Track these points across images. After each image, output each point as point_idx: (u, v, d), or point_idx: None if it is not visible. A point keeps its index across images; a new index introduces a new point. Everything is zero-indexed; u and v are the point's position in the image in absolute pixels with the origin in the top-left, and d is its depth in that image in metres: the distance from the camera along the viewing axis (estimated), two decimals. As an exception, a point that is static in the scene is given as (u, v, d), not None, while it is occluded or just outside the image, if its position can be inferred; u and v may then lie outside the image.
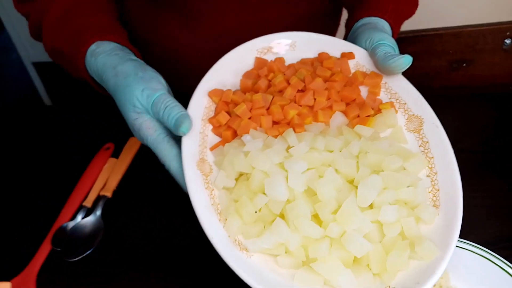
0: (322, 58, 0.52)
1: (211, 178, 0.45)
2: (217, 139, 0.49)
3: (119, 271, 0.55)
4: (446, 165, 0.44)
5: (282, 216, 0.42)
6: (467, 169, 0.63)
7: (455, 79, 0.78)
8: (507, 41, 0.76)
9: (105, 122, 0.73)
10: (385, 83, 0.50)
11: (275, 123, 0.48)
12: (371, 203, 0.41)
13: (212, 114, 0.50)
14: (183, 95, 0.51)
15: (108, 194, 0.62)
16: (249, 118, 0.48)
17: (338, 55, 0.53)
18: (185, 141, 0.46)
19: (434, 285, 0.48)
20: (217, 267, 0.52)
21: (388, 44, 0.50)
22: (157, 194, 0.62)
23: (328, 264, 0.39)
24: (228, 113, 0.49)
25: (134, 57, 0.52)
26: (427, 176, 0.44)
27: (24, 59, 1.48)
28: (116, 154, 0.67)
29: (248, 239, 0.41)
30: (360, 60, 0.51)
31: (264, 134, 0.47)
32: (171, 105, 0.46)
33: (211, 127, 0.49)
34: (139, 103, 0.47)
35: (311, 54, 0.53)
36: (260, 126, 0.48)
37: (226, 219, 0.43)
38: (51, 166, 0.68)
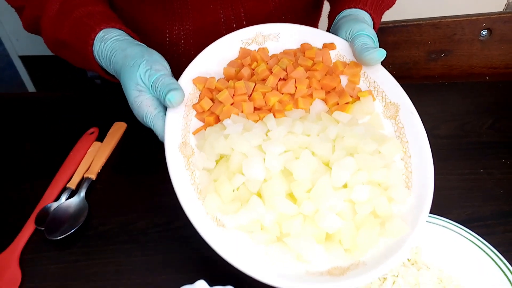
0: (304, 48, 0.54)
1: (192, 160, 0.47)
2: (200, 124, 0.50)
3: (102, 250, 0.55)
4: (420, 149, 0.46)
5: (258, 195, 0.43)
6: (444, 153, 0.66)
7: (433, 68, 0.81)
8: (484, 32, 0.79)
9: (90, 108, 0.74)
10: (364, 72, 0.52)
11: (256, 109, 0.50)
12: (345, 184, 0.43)
13: (196, 100, 0.52)
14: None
15: (92, 176, 0.62)
16: (231, 104, 0.49)
17: (320, 46, 0.55)
18: (168, 124, 0.47)
19: (409, 260, 0.50)
20: (202, 244, 0.53)
21: (367, 34, 0.52)
22: (141, 177, 0.63)
23: (301, 239, 0.40)
24: (212, 100, 0.51)
25: (140, 43, 0.55)
26: (401, 159, 0.46)
27: (10, 52, 1.48)
28: (100, 139, 0.68)
29: (225, 215, 0.43)
30: (341, 50, 0.53)
31: (245, 119, 0.48)
32: (167, 82, 0.48)
33: (194, 113, 0.51)
34: (141, 82, 0.50)
35: (294, 45, 0.55)
36: (242, 112, 0.49)
37: (205, 198, 0.44)
38: (35, 149, 0.68)
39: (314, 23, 0.77)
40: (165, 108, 0.49)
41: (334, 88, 0.51)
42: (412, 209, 0.43)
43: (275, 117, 0.48)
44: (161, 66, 0.51)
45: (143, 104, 0.50)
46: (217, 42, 0.54)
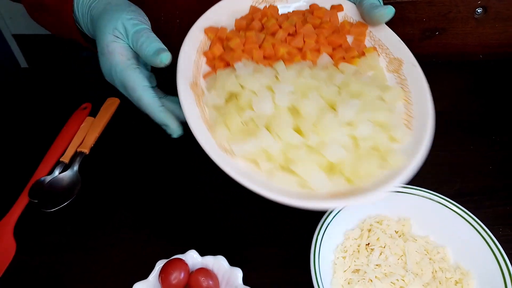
0: (313, 8, 0.56)
1: (202, 99, 0.47)
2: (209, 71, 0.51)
3: (95, 222, 0.56)
4: (420, 97, 0.48)
5: (267, 128, 0.44)
6: (435, 129, 0.66)
7: (427, 47, 0.80)
8: (479, 10, 0.78)
9: (83, 84, 0.74)
10: (370, 31, 0.54)
11: (266, 58, 0.51)
12: (350, 122, 0.44)
13: (207, 49, 0.52)
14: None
15: (86, 150, 0.63)
16: (242, 51, 0.50)
17: (328, 8, 0.56)
18: (180, 65, 0.47)
19: (396, 232, 0.51)
20: (194, 217, 0.54)
21: None
22: (134, 152, 0.63)
23: (305, 165, 0.41)
24: (223, 48, 0.51)
25: None
26: (403, 106, 0.48)
27: (4, 31, 1.46)
28: (93, 114, 0.68)
29: (235, 144, 0.43)
30: (348, 12, 0.56)
31: (256, 64, 0.49)
32: (153, 38, 0.47)
33: (205, 60, 0.51)
34: (121, 27, 0.47)
35: (303, 7, 0.57)
36: (252, 59, 0.50)
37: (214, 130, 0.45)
38: (28, 124, 0.68)
39: None
40: (137, 60, 0.48)
41: (341, 45, 0.53)
42: (409, 146, 0.44)
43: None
44: (145, 19, 0.49)
45: (115, 51, 0.47)
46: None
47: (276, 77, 0.47)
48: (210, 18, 0.53)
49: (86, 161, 0.62)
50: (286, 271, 0.51)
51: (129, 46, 0.48)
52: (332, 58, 0.51)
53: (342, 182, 0.42)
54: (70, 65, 0.79)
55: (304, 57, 0.51)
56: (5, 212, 0.57)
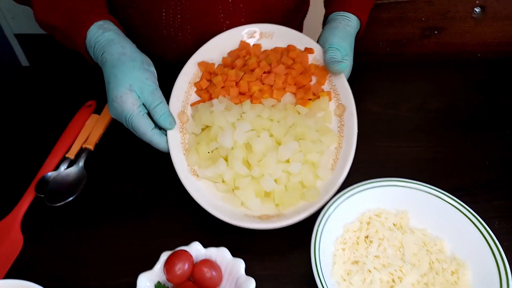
0: (289, 49, 0.67)
1: (186, 125, 0.61)
2: (197, 99, 0.65)
3: (101, 216, 0.58)
4: (348, 143, 0.57)
5: (225, 158, 0.57)
6: (433, 126, 0.67)
7: (427, 46, 0.82)
8: (477, 9, 0.80)
9: (87, 82, 0.75)
10: (330, 76, 0.63)
11: (241, 93, 0.63)
12: (287, 160, 0.56)
13: (198, 79, 0.66)
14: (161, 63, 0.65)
15: (91, 146, 0.64)
16: (222, 87, 0.64)
17: (303, 48, 0.66)
18: (171, 99, 0.61)
19: (394, 225, 0.52)
20: (197, 211, 0.55)
21: (337, 48, 0.62)
22: (137, 148, 0.64)
23: (246, 192, 0.55)
24: (210, 81, 0.65)
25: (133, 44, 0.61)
26: (335, 148, 0.58)
27: (6, 30, 1.47)
28: (98, 111, 0.69)
29: (200, 168, 0.57)
30: (317, 55, 0.65)
31: (229, 101, 0.62)
32: (164, 102, 0.58)
33: (195, 89, 0.65)
34: (137, 86, 0.56)
35: (283, 44, 0.67)
36: (229, 95, 0.63)
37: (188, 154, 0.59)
38: (33, 122, 0.69)
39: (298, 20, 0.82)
40: (146, 111, 0.57)
41: (304, 86, 0.63)
42: (328, 184, 0.55)
43: (252, 103, 0.62)
44: (156, 79, 0.59)
45: (128, 102, 0.56)
46: (222, 34, 0.67)
47: (241, 115, 0.59)
48: (204, 52, 0.66)
49: (91, 157, 0.64)
50: (287, 262, 0.52)
51: (139, 98, 0.56)
52: (295, 96, 0.63)
53: (271, 207, 0.54)
54: (73, 64, 0.80)
55: (271, 95, 0.63)
56: (13, 206, 0.58)
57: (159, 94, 0.57)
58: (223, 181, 0.56)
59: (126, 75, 0.56)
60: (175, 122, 0.59)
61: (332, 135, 0.58)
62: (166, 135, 0.58)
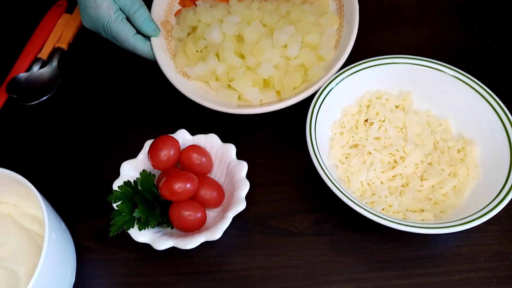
0: None
1: (171, 33, 0.56)
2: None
3: (77, 113, 0.54)
4: (351, 20, 0.52)
5: (216, 55, 0.51)
6: (435, 13, 0.61)
7: None
8: None
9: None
10: None
11: None
12: (285, 45, 0.51)
13: None
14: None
15: (64, 46, 0.58)
16: None
17: None
18: (154, 7, 0.56)
19: (396, 107, 0.48)
20: (181, 101, 0.51)
21: None
22: (111, 47, 0.59)
23: (242, 82, 0.49)
24: None
25: None
26: (336, 29, 0.54)
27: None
28: (69, 11, 0.63)
29: (190, 68, 0.52)
30: None
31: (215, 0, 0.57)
32: (144, 6, 0.52)
33: (178, 0, 0.59)
34: None
35: None
36: None
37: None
38: (1, 22, 0.63)
39: None
40: (123, 15, 0.51)
41: None
42: (331, 62, 0.50)
43: (239, 1, 0.56)
44: None
45: (103, 5, 0.50)
46: None
47: (229, 11, 0.54)
48: None
49: (65, 57, 0.58)
50: (282, 152, 0.49)
51: (115, 1, 0.50)
52: None
53: (272, 95, 0.50)
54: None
55: None
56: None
57: None
58: (216, 78, 0.51)
59: None
60: (159, 29, 0.53)
61: (331, 16, 0.54)
62: (150, 41, 0.53)
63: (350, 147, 0.46)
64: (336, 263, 0.42)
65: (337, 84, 0.46)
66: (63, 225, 0.40)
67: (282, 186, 0.46)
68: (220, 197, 0.43)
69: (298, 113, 0.48)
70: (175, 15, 0.58)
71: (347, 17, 0.53)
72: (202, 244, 0.39)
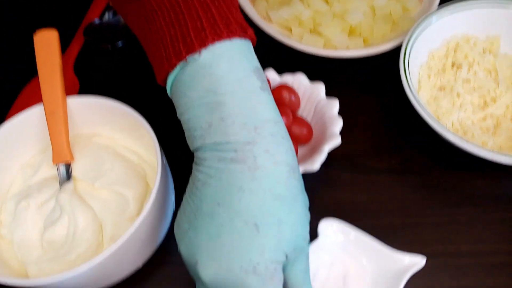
0: None
1: None
2: None
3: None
4: None
5: (301, 1, 0.52)
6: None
7: None
8: None
9: None
10: None
11: None
12: None
13: None
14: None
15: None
16: None
17: None
18: None
19: (484, 51, 0.48)
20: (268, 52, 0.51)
21: None
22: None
23: (330, 27, 0.49)
24: None
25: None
26: None
27: None
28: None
29: (273, 11, 0.51)
30: None
31: None
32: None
33: None
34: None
35: None
36: None
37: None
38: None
39: None
40: None
41: None
42: (418, 15, 0.51)
43: None
44: None
45: (275, 279, 0.27)
46: None
47: None
48: None
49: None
50: (366, 93, 0.49)
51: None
52: None
53: (359, 42, 0.49)
54: None
55: None
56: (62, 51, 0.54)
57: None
58: (299, 24, 0.51)
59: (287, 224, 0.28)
60: None
61: None
62: None
63: (438, 90, 0.46)
64: (427, 200, 0.42)
65: (423, 30, 0.46)
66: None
67: (367, 126, 0.47)
68: (309, 135, 0.44)
69: (384, 62, 0.48)
70: None
71: None
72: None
